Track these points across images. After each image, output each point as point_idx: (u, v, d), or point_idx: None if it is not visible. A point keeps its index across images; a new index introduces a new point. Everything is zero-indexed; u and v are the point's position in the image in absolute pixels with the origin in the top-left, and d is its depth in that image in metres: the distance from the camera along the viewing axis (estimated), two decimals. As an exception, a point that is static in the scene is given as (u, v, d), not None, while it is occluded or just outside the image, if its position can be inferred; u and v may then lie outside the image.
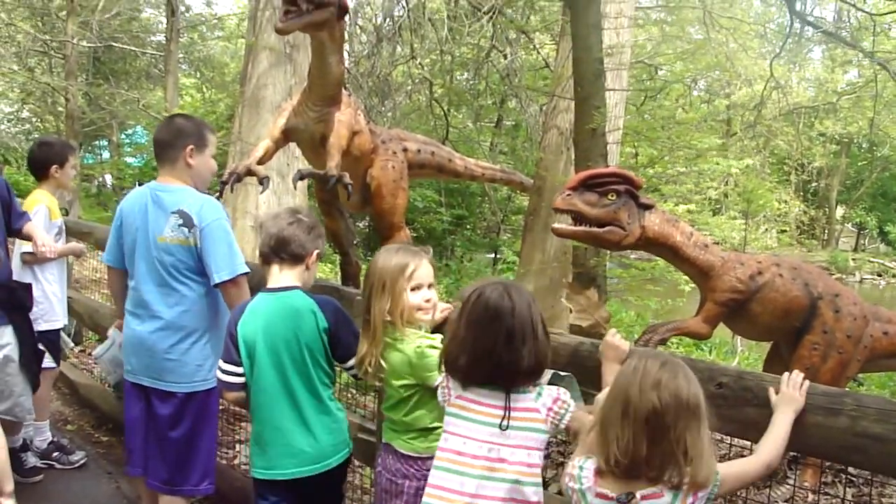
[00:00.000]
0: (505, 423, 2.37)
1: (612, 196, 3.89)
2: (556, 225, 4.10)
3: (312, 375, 3.01)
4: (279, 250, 3.08)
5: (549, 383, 2.54)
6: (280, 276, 3.09)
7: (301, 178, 4.48)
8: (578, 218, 3.92)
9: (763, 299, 4.05)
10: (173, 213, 3.49)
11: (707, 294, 4.13)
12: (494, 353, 2.36)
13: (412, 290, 2.82)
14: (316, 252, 3.14)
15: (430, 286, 2.88)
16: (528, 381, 2.42)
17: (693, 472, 2.04)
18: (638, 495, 2.07)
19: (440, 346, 2.68)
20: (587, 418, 2.45)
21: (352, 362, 2.98)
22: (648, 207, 3.97)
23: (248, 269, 3.53)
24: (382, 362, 2.81)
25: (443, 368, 2.52)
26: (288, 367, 2.99)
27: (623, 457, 2.05)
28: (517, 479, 2.36)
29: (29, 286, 4.33)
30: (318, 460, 3.03)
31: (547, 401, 2.41)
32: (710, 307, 4.09)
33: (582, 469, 2.18)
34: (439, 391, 2.56)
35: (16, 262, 4.80)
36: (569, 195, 3.91)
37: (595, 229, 3.91)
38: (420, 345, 2.74)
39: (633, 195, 3.92)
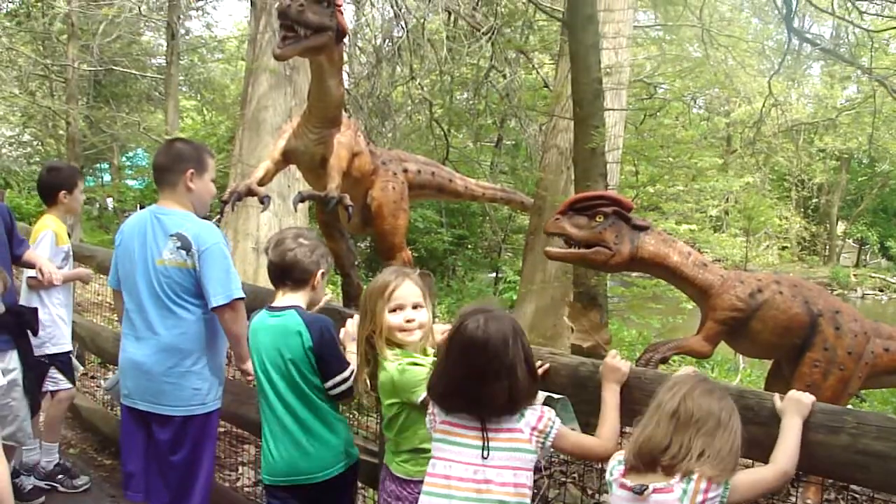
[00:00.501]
0: (485, 451, 2.36)
1: (599, 218, 4.02)
2: (548, 248, 4.21)
3: (305, 390, 3.08)
4: (284, 277, 3.20)
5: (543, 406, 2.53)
6: (283, 298, 3.20)
7: (301, 200, 4.49)
8: (569, 240, 4.04)
9: (763, 317, 4.06)
10: (171, 235, 3.51)
11: (707, 313, 4.14)
12: (466, 385, 2.36)
13: (392, 310, 2.81)
14: (320, 272, 3.23)
15: (415, 307, 2.85)
16: (503, 415, 2.39)
17: (704, 467, 2.11)
18: (650, 487, 2.14)
19: (423, 363, 2.71)
20: (576, 437, 2.47)
21: (332, 382, 3.07)
22: (643, 229, 4.01)
23: (243, 295, 3.57)
24: (368, 381, 2.89)
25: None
26: (279, 382, 3.09)
27: (645, 442, 2.19)
28: (504, 501, 2.36)
29: (35, 310, 4.34)
30: (319, 469, 3.10)
31: (531, 420, 2.40)
32: (710, 326, 4.10)
33: (619, 463, 2.29)
34: (427, 417, 2.57)
35: (22, 286, 4.82)
36: (557, 219, 4.07)
37: (582, 250, 4.03)
38: (401, 362, 2.75)
39: (623, 217, 3.99)
